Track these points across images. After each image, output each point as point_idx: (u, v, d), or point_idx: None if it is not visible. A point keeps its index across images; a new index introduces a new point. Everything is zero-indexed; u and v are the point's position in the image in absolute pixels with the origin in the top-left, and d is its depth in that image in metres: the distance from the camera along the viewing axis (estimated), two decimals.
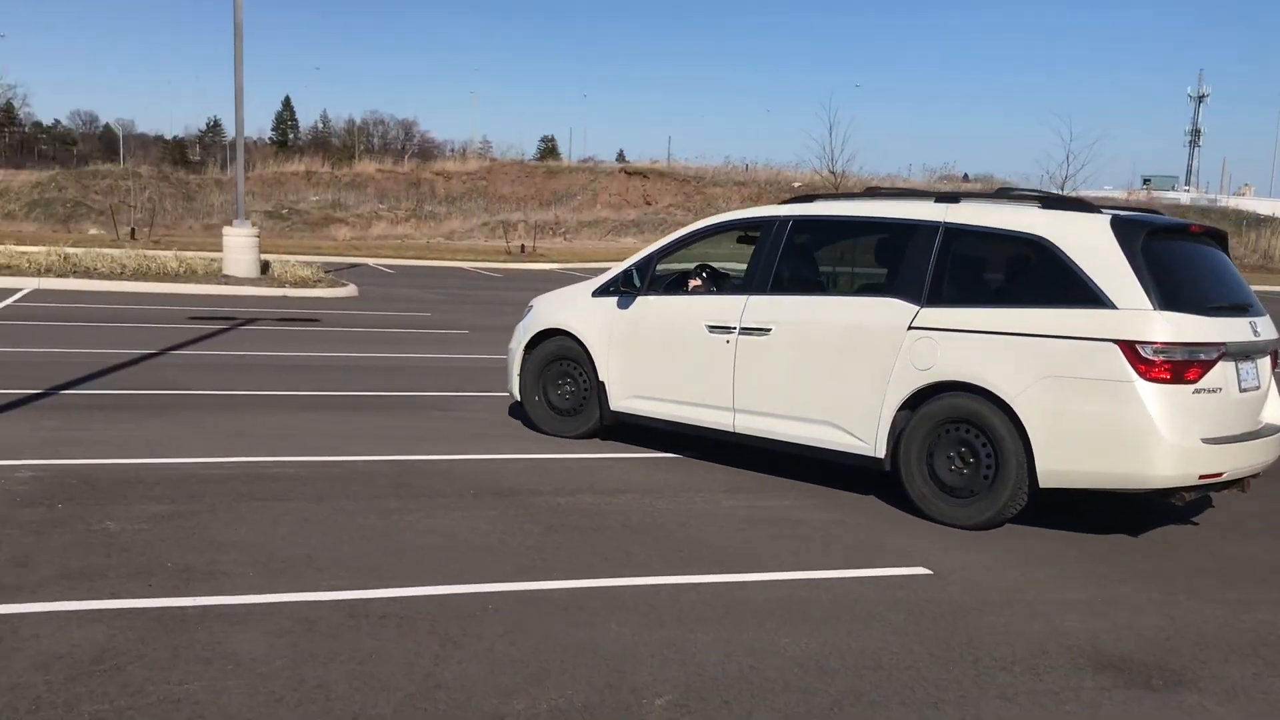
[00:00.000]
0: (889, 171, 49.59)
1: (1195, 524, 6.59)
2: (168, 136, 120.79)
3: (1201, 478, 5.84)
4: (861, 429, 6.55)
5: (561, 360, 8.09)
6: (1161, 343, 5.68)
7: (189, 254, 21.76)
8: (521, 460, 7.33)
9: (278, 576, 4.81)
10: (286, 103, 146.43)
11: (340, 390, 9.83)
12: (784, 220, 7.24)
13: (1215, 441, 5.85)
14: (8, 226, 45.96)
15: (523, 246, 37.36)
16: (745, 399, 7.08)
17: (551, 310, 8.29)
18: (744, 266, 7.48)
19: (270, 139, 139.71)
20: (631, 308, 7.70)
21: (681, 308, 7.50)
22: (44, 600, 4.37)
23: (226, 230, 20.24)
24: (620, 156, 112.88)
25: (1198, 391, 5.79)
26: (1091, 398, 5.76)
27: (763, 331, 6.96)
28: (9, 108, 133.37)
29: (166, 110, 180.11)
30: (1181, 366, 5.71)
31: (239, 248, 19.81)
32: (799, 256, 7.27)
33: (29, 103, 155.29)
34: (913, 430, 6.33)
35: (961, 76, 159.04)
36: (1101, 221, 6.08)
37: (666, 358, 7.48)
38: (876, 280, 6.96)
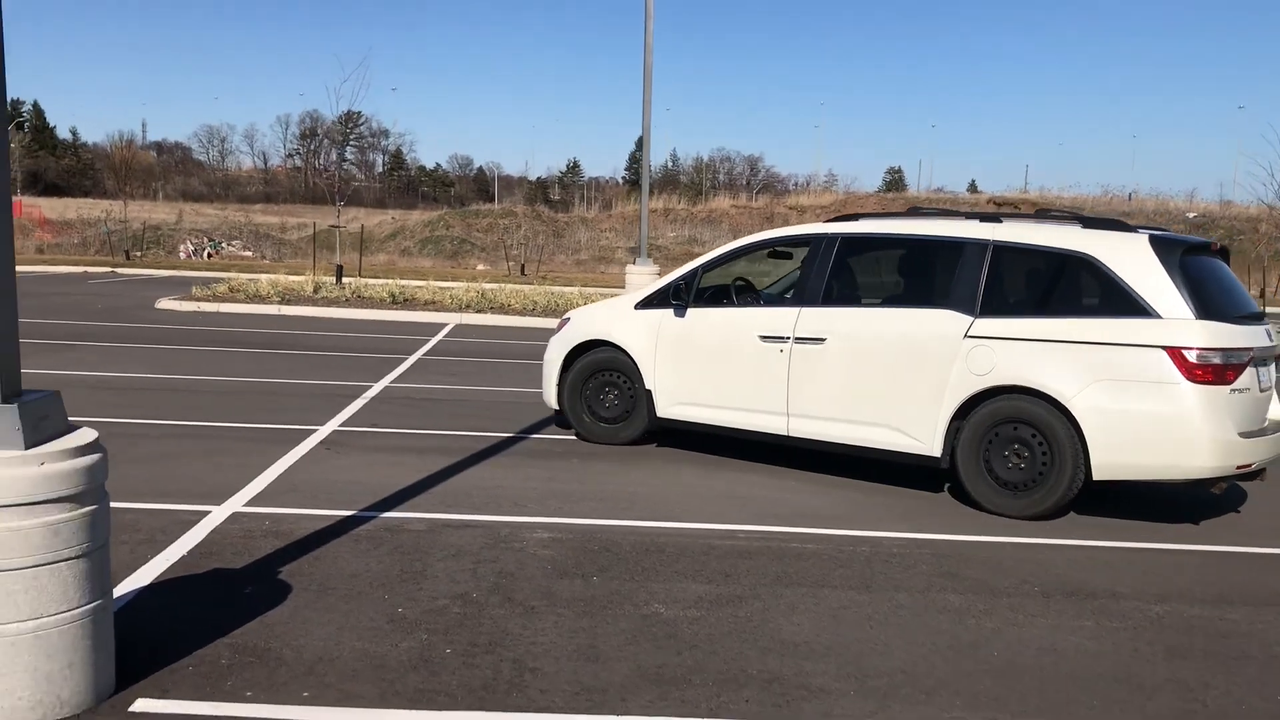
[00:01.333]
0: None
1: None
2: (531, 177, 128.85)
3: (1238, 468, 6.49)
4: (918, 430, 7.05)
5: (606, 371, 8.50)
6: (1205, 348, 6.34)
7: (590, 290, 22.25)
8: (1068, 548, 6.20)
9: (886, 700, 3.98)
10: (639, 143, 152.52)
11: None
12: (834, 237, 7.70)
13: (1248, 435, 6.53)
14: (406, 262, 50.11)
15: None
16: (799, 404, 7.51)
17: (592, 323, 8.64)
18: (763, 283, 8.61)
19: (624, 178, 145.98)
20: (680, 319, 8.11)
21: (732, 319, 7.89)
22: (639, 714, 3.77)
23: (630, 268, 20.43)
24: (972, 187, 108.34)
25: (1233, 391, 6.44)
26: (1142, 398, 6.40)
27: (818, 341, 7.41)
28: (399, 154, 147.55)
29: (527, 152, 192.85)
30: (1221, 370, 6.36)
31: (641, 286, 19.88)
32: (851, 270, 7.70)
33: (415, 149, 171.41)
34: (969, 431, 6.88)
35: None
36: (1142, 240, 6.73)
37: (716, 366, 7.89)
38: (928, 293, 7.29)
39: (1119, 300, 6.58)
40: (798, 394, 7.50)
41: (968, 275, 7.00)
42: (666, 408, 8.18)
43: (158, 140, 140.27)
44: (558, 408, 8.73)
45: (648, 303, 8.35)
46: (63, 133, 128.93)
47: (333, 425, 8.84)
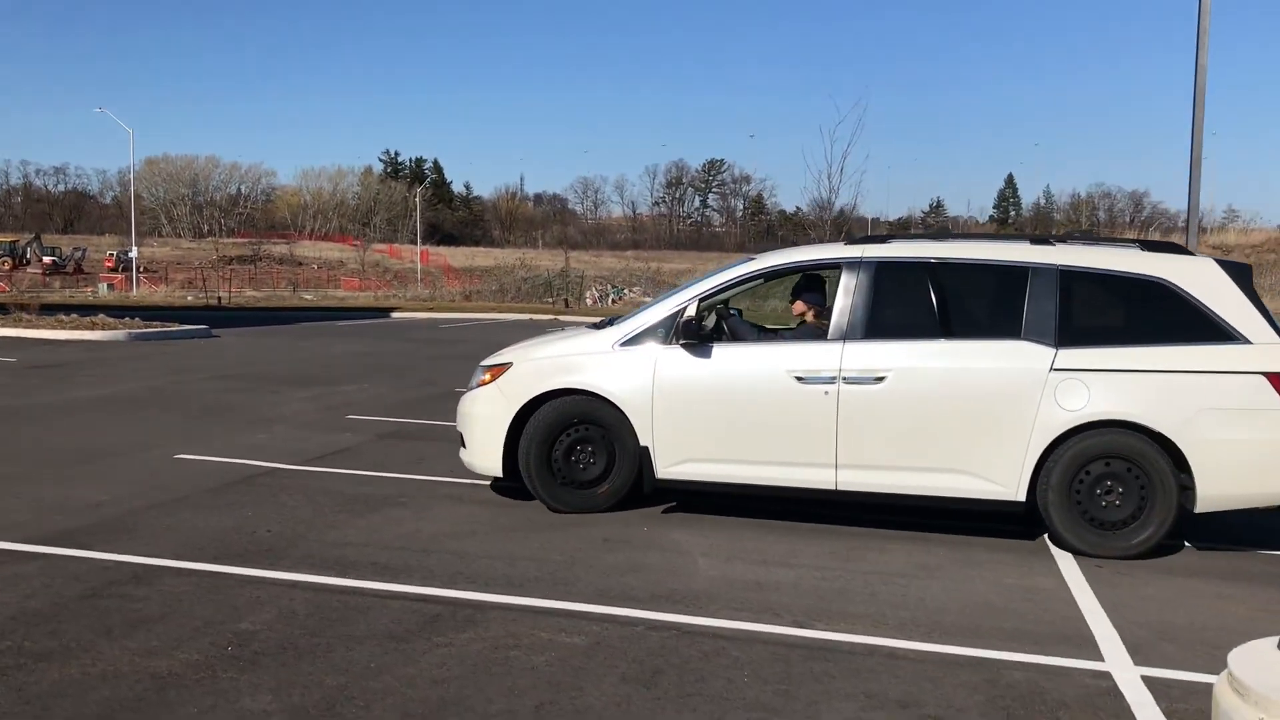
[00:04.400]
0: None
1: None
2: (890, 218, 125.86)
3: None
4: (1000, 474, 6.53)
5: (579, 424, 7.15)
6: None
7: None
8: None
9: None
10: (1009, 180, 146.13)
11: None
12: (870, 261, 6.94)
13: None
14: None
15: None
16: (851, 453, 6.72)
17: (553, 368, 7.25)
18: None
19: (992, 216, 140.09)
20: (686, 359, 7.01)
21: (754, 358, 6.98)
22: None
23: None
24: None
25: None
26: (1245, 426, 6.30)
27: (874, 380, 6.67)
28: (759, 199, 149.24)
29: (883, 194, 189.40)
30: None
31: None
32: (898, 299, 6.89)
33: (775, 193, 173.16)
34: (1060, 470, 6.47)
35: None
36: (1213, 265, 6.65)
37: (736, 414, 6.90)
38: (996, 323, 6.74)
39: (1204, 326, 6.44)
40: (849, 441, 6.69)
41: (1040, 303, 6.60)
42: (670, 466, 7.03)
43: (537, 192, 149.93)
44: (500, 474, 7.28)
45: (637, 340, 7.14)
46: (457, 187, 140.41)
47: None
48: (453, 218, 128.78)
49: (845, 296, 6.89)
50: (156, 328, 22.82)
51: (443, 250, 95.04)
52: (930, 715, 4.14)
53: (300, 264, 75.39)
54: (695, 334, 7.00)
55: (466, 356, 19.45)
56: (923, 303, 6.96)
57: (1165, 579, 6.15)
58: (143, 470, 8.30)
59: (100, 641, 4.62)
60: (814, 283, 7.58)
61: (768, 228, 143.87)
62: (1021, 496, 6.57)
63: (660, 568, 6.05)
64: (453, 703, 4.11)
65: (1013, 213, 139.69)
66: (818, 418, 6.76)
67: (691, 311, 7.11)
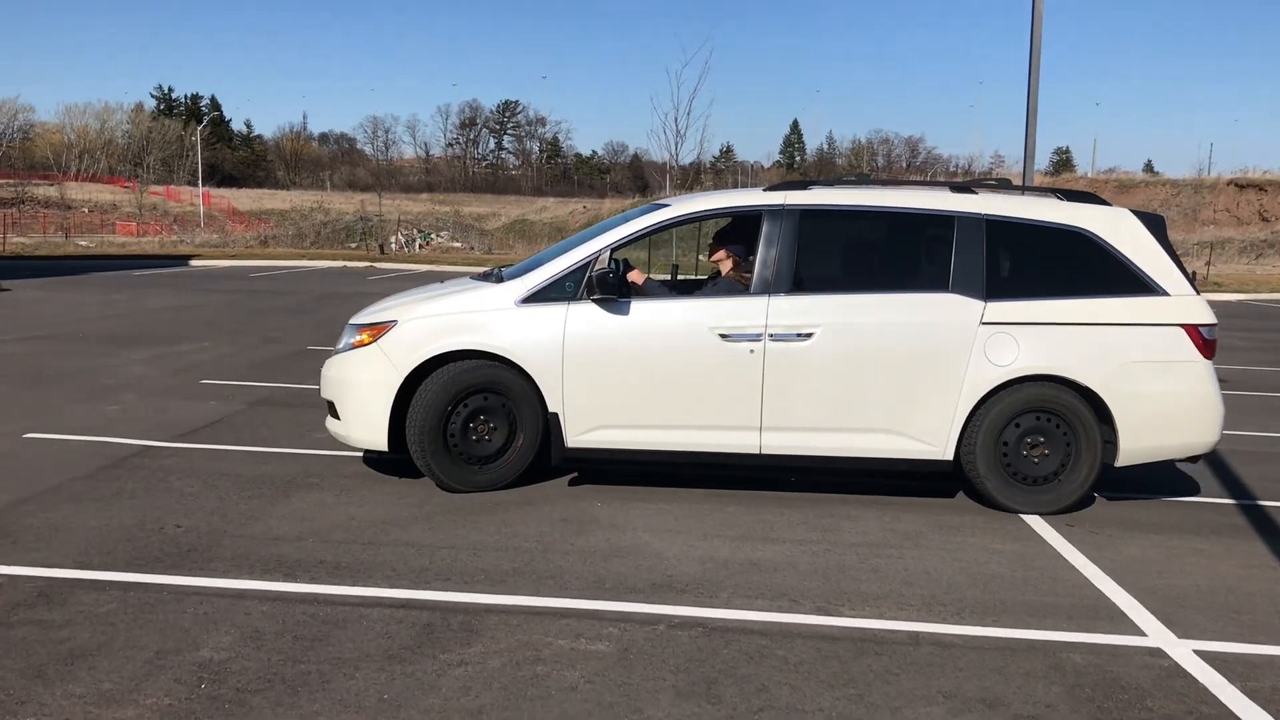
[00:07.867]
0: None
1: None
2: (683, 163, 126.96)
3: None
4: (929, 433, 6.33)
5: (478, 392, 6.42)
6: (1212, 324, 6.40)
7: None
8: None
9: None
10: (794, 126, 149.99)
11: None
12: (793, 209, 6.50)
13: None
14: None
15: (1194, 273, 32.82)
16: (777, 415, 6.35)
17: (447, 327, 6.42)
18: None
19: (778, 162, 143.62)
20: (597, 317, 6.37)
21: (675, 314, 6.45)
22: None
23: None
24: (1149, 167, 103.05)
25: None
26: (1166, 379, 6.29)
27: (802, 336, 6.31)
28: (555, 142, 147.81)
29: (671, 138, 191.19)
30: (1214, 345, 6.43)
31: None
32: (824, 250, 6.63)
33: (571, 136, 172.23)
34: (988, 426, 6.30)
35: None
36: (1129, 215, 6.51)
37: (656, 376, 6.36)
38: (924, 275, 6.48)
39: (1125, 278, 6.37)
40: (775, 402, 6.33)
41: (968, 254, 6.37)
42: (582, 434, 6.44)
43: (323, 131, 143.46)
44: (385, 448, 6.50)
45: (542, 295, 6.44)
46: (237, 126, 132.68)
47: None
48: (234, 158, 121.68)
49: (768, 247, 6.44)
50: None
51: (225, 192, 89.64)
52: (1023, 715, 3.81)
53: (70, 207, 69.37)
54: (612, 288, 6.34)
55: (298, 310, 18.19)
56: (849, 253, 6.74)
57: (1139, 537, 6.07)
58: None
59: (35, 687, 3.73)
60: (737, 231, 7.05)
61: (564, 171, 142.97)
62: (950, 455, 6.38)
63: (640, 551, 5.52)
64: None
65: (797, 158, 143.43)
66: (742, 378, 6.32)
67: (605, 263, 6.43)
